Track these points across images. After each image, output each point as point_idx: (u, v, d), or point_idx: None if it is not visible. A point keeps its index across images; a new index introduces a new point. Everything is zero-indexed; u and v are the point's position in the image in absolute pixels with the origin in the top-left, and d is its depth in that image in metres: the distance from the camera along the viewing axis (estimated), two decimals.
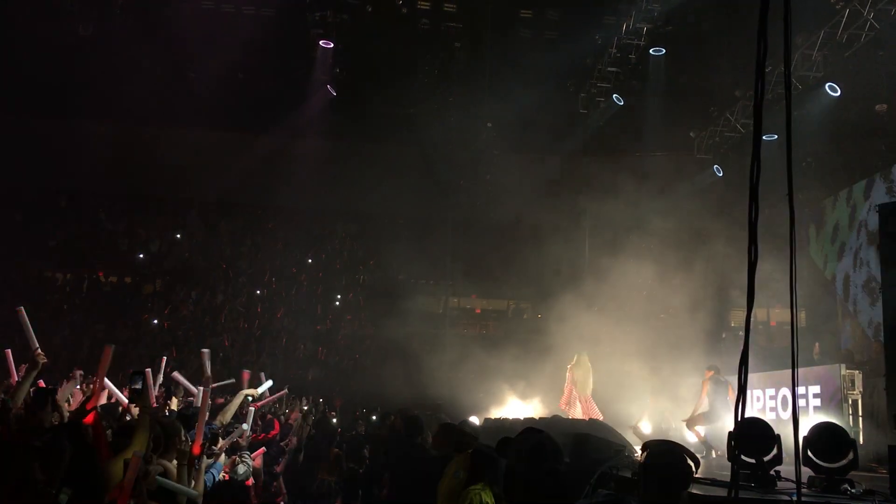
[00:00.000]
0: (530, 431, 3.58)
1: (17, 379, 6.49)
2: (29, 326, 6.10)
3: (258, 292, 25.59)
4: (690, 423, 12.29)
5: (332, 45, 21.58)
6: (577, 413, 13.89)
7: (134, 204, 27.94)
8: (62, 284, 25.33)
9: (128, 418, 6.16)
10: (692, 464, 3.35)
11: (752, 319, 2.51)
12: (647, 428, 13.77)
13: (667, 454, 3.34)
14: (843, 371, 10.13)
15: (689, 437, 12.36)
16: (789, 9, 2.65)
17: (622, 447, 7.13)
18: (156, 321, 23.78)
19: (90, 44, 20.80)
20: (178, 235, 27.67)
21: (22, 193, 27.16)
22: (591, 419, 12.29)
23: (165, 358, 9.35)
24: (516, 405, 15.98)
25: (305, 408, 16.60)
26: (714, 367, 12.32)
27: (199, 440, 5.18)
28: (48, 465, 4.00)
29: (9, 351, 7.58)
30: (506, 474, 3.56)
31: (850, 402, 9.85)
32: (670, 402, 14.88)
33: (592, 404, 14.18)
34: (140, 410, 4.95)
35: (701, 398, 12.25)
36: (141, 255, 26.70)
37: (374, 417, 16.30)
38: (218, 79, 22.86)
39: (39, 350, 5.86)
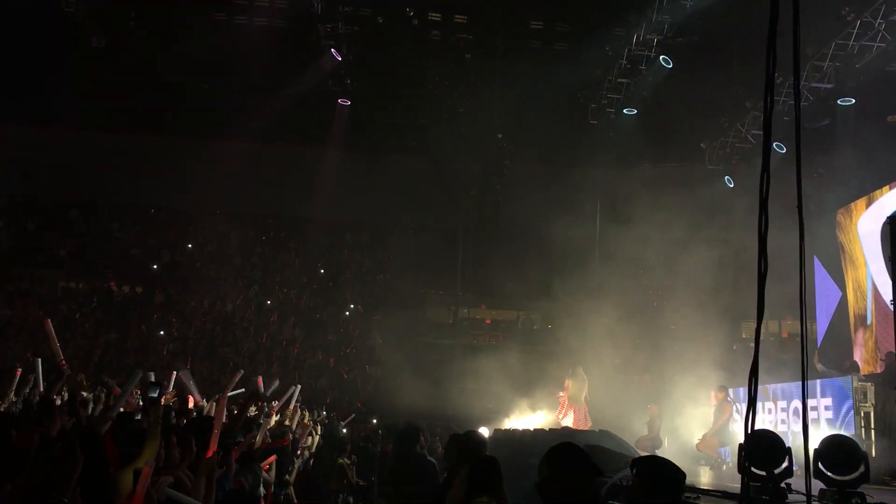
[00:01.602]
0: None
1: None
2: (55, 338, 6.07)
3: (269, 302, 25.64)
4: (703, 446, 12.30)
5: (342, 57, 21.65)
6: (570, 422, 14.01)
7: (145, 214, 28.11)
8: (74, 294, 25.44)
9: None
10: (679, 476, 3.38)
11: (763, 331, 2.50)
12: (650, 439, 13.81)
13: (654, 465, 3.38)
14: (856, 383, 10.06)
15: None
16: (798, 20, 2.66)
17: (632, 459, 7.09)
18: (165, 331, 23.82)
19: (103, 55, 20.97)
20: (190, 245, 27.79)
21: (34, 203, 27.37)
22: (600, 430, 12.26)
23: (175, 373, 9.38)
24: (527, 416, 15.95)
25: (323, 415, 16.63)
26: (723, 387, 12.32)
27: (214, 448, 5.17)
28: (60, 475, 4.00)
29: (38, 360, 7.59)
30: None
31: (862, 414, 9.76)
32: (674, 414, 14.87)
33: (585, 414, 14.27)
34: (152, 420, 4.90)
35: (719, 422, 12.25)
36: (153, 265, 26.81)
37: (380, 431, 16.30)
38: (229, 89, 23.00)
39: (64, 362, 5.89)
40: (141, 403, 6.85)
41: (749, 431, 2.55)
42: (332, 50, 21.24)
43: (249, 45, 21.44)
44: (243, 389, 9.37)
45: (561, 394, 14.70)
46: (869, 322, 16.25)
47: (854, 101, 16.55)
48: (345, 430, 15.74)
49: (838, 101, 16.62)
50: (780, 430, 11.17)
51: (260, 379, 8.43)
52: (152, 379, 8.15)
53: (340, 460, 10.62)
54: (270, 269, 26.99)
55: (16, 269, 24.94)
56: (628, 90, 21.03)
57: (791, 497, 5.35)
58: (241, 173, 25.48)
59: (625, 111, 21.49)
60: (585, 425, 13.68)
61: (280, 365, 22.16)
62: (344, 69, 22.35)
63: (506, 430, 14.02)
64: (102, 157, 25.93)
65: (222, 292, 25.65)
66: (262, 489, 7.10)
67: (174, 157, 26.18)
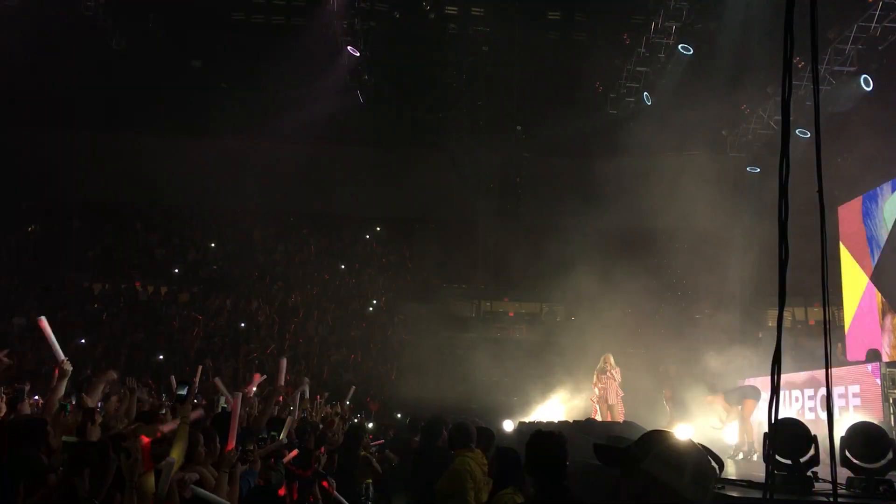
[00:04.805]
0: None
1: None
2: (52, 336, 6.06)
3: (292, 299, 25.76)
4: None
5: (360, 53, 21.66)
6: (604, 415, 13.80)
7: (169, 214, 28.31)
8: (100, 295, 25.70)
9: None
10: (716, 465, 3.22)
11: (791, 318, 2.46)
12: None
13: (691, 449, 3.20)
14: (884, 370, 9.93)
15: (729, 440, 12.14)
16: (816, 1, 2.61)
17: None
18: (191, 329, 23.99)
19: (124, 57, 21.14)
20: (213, 244, 27.97)
21: (60, 206, 27.67)
22: (625, 421, 12.19)
23: (201, 367, 9.40)
24: (551, 408, 15.90)
25: (348, 404, 16.67)
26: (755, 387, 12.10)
27: (232, 444, 5.19)
28: (94, 477, 4.02)
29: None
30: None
31: (890, 401, 9.64)
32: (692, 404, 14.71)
33: (619, 406, 14.06)
34: (179, 421, 4.89)
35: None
36: (177, 266, 27.02)
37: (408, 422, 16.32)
38: (247, 88, 23.10)
39: (65, 359, 5.89)
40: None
41: (773, 420, 2.52)
42: (349, 46, 21.27)
43: (267, 44, 21.52)
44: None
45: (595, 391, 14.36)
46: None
47: (875, 83, 16.30)
48: (371, 425, 15.77)
49: (861, 84, 16.38)
50: (808, 418, 11.06)
51: (283, 362, 8.17)
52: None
53: (364, 452, 10.64)
54: (293, 267, 27.10)
55: (42, 270, 25.21)
56: (647, 79, 20.87)
57: (817, 486, 5.29)
58: (263, 172, 25.59)
59: (645, 96, 21.31)
60: (619, 417, 13.50)
61: (304, 362, 22.25)
62: (361, 65, 22.36)
63: (530, 422, 13.98)
64: (125, 158, 26.16)
65: (246, 290, 25.80)
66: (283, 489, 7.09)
67: (196, 158, 26.35)
